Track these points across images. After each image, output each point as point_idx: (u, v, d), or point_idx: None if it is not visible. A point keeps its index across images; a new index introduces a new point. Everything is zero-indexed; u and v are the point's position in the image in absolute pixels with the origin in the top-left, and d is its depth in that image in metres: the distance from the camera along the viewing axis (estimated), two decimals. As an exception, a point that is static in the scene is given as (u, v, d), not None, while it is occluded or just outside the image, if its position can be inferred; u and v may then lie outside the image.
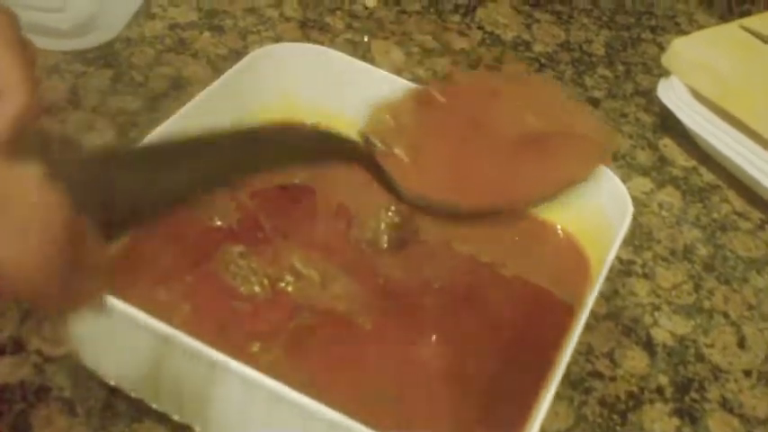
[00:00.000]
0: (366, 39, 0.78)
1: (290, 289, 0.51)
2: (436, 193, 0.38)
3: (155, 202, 0.26)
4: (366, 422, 0.40)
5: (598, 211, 0.55)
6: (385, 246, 0.54)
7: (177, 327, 0.43)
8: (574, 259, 0.56)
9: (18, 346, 0.49)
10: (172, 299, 0.50)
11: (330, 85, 0.61)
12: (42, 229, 0.21)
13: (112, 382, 0.47)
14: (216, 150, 0.28)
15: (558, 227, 0.58)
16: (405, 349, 0.50)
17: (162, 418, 0.47)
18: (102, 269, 0.24)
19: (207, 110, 0.55)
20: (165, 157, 0.27)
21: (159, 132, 0.52)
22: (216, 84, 0.56)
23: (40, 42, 0.68)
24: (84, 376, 0.48)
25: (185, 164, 0.27)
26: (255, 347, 0.48)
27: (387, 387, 0.48)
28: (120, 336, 0.44)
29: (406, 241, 0.55)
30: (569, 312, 0.52)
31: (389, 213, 0.55)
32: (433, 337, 0.51)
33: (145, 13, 0.75)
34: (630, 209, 0.52)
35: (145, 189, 0.25)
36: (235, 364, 0.41)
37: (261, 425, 0.43)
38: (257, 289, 0.51)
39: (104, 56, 0.70)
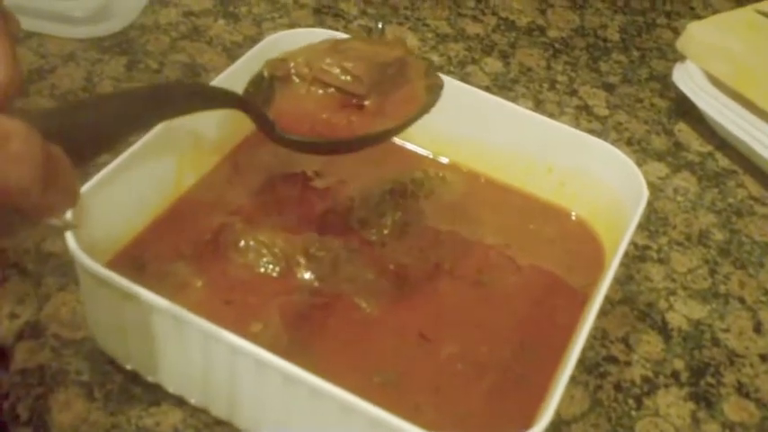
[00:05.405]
0: (381, 25, 0.78)
1: (301, 270, 0.51)
2: (306, 131, 0.48)
3: (101, 139, 0.35)
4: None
5: (612, 197, 0.55)
6: (390, 229, 0.55)
7: (187, 304, 0.43)
8: (587, 245, 0.56)
9: (36, 331, 0.50)
10: (187, 273, 0.50)
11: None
12: (26, 152, 0.29)
13: (129, 366, 0.48)
14: (136, 102, 0.38)
15: (573, 213, 0.58)
16: (413, 334, 0.50)
17: (179, 401, 0.47)
18: (71, 187, 0.31)
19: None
20: (105, 107, 0.36)
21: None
22: (229, 70, 0.56)
23: (56, 30, 0.70)
24: (101, 360, 0.49)
25: (121, 113, 0.37)
26: (258, 327, 0.48)
27: (393, 373, 0.48)
28: (132, 320, 0.45)
29: (409, 224, 0.55)
30: (582, 298, 0.52)
31: (392, 195, 0.56)
32: (444, 323, 0.51)
33: (159, 1, 0.75)
34: (645, 193, 0.52)
35: (94, 129, 0.34)
36: (249, 347, 0.41)
37: (277, 407, 0.43)
38: (270, 266, 0.51)
39: (119, 43, 0.70)
